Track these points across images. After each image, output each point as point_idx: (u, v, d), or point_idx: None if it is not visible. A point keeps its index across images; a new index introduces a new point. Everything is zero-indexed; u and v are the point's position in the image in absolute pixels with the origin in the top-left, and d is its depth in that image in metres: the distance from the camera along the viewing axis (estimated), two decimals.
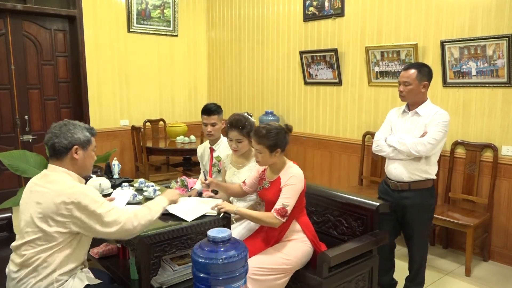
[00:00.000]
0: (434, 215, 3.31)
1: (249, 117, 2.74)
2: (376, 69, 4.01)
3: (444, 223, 3.32)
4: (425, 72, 2.55)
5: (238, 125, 2.64)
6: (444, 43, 3.47)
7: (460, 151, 3.54)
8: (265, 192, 2.37)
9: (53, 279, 1.79)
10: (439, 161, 3.56)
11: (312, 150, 4.78)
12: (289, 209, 2.22)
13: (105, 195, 2.47)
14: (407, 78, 2.54)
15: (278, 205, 2.22)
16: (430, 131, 2.49)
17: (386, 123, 2.75)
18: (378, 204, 2.48)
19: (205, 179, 2.49)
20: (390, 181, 2.67)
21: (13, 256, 1.86)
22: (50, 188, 1.80)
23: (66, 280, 1.85)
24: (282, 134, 2.27)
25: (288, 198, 2.22)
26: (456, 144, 3.53)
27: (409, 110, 2.63)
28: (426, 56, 3.66)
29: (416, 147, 2.48)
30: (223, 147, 3.05)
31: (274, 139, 2.24)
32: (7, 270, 1.87)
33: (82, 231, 1.82)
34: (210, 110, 3.01)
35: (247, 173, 2.68)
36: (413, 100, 2.60)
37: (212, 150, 3.10)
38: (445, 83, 3.55)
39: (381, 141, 2.68)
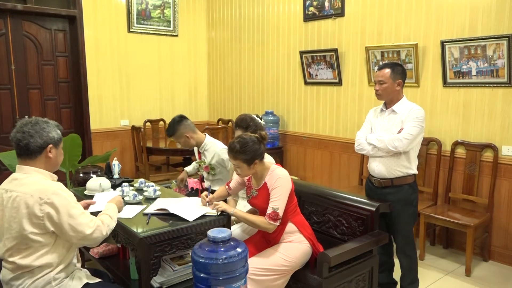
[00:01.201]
0: (434, 215, 3.33)
1: (256, 118, 2.78)
2: (376, 69, 4.00)
3: (444, 223, 3.32)
4: (398, 70, 2.64)
5: (243, 125, 2.70)
6: (444, 43, 3.47)
7: (460, 151, 3.54)
8: (255, 201, 2.36)
9: (50, 277, 1.79)
10: (438, 161, 3.60)
11: (312, 150, 4.78)
12: (280, 211, 2.21)
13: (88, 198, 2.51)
14: (382, 77, 2.63)
15: (268, 210, 2.21)
16: (406, 127, 2.56)
17: (366, 123, 2.84)
18: (378, 204, 2.49)
19: (207, 196, 2.41)
20: (373, 179, 2.75)
21: (4, 263, 1.84)
22: (23, 191, 1.77)
23: (65, 278, 1.85)
24: (256, 145, 2.24)
25: (277, 200, 2.21)
26: (456, 144, 3.53)
27: (386, 108, 2.71)
28: (426, 56, 3.66)
29: (393, 143, 2.55)
30: (208, 150, 3.17)
31: (249, 153, 2.21)
32: (1, 276, 1.86)
33: (57, 232, 1.79)
34: (168, 132, 3.15)
35: None
36: (389, 98, 2.68)
37: (200, 154, 3.24)
38: (445, 83, 3.55)
39: (361, 140, 2.76)
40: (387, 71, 2.62)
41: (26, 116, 1.91)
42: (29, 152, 1.83)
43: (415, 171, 2.68)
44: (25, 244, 1.76)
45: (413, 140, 2.56)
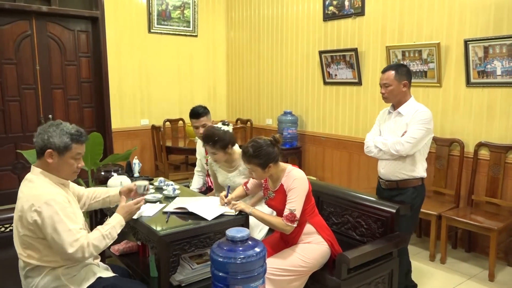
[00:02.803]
0: (456, 218, 3.26)
1: (223, 127, 2.71)
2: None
3: (467, 226, 3.25)
4: (403, 71, 2.60)
5: (209, 141, 2.67)
6: (468, 42, 3.39)
7: (484, 153, 3.45)
8: (272, 203, 2.36)
9: (58, 273, 1.83)
10: (461, 163, 3.52)
11: (331, 150, 4.74)
12: (297, 213, 2.19)
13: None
14: (386, 79, 2.59)
15: (285, 212, 2.20)
16: (409, 130, 2.53)
17: (376, 124, 2.81)
18: (398, 206, 2.45)
19: (226, 196, 2.42)
20: (380, 180, 2.74)
21: (19, 257, 1.88)
22: (24, 192, 1.79)
23: (76, 272, 1.88)
24: (270, 149, 2.22)
25: (294, 201, 2.20)
26: (480, 145, 3.44)
27: (394, 110, 2.68)
28: (449, 56, 3.58)
29: (395, 147, 2.53)
30: None
31: (263, 156, 2.20)
32: (19, 268, 1.91)
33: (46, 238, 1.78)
34: (198, 113, 3.11)
35: (238, 176, 2.77)
36: (396, 100, 2.64)
37: (206, 151, 3.17)
38: (468, 83, 3.47)
39: (370, 142, 2.74)
40: (392, 72, 2.58)
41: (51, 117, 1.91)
42: (36, 151, 1.84)
43: (422, 174, 2.63)
44: (26, 243, 1.80)
45: (417, 144, 2.51)
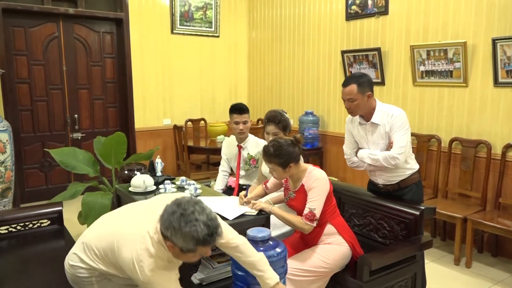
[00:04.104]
0: (483, 221, 3.18)
1: (284, 113, 2.88)
2: (422, 68, 3.87)
3: (494, 230, 3.16)
4: (365, 83, 2.51)
5: (275, 120, 2.79)
6: (496, 41, 3.30)
7: None
8: (293, 203, 2.35)
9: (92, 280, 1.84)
10: (488, 165, 3.43)
11: None
12: (317, 212, 2.18)
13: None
14: (350, 94, 2.51)
15: (305, 211, 2.20)
16: (395, 140, 2.48)
17: (348, 135, 2.75)
18: (423, 208, 2.40)
19: (245, 196, 2.45)
20: (378, 186, 2.70)
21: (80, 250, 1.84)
22: (130, 231, 1.67)
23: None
24: (291, 149, 2.22)
25: (314, 201, 2.19)
26: (508, 147, 3.34)
27: (366, 121, 2.59)
28: (476, 55, 3.49)
29: (390, 162, 2.48)
30: (250, 145, 3.21)
31: (284, 156, 2.19)
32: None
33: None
34: (241, 109, 3.17)
35: None
36: (363, 112, 2.58)
37: (240, 148, 3.23)
38: (496, 82, 3.38)
39: (353, 158, 2.70)
40: (354, 86, 2.48)
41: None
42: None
43: (416, 167, 2.63)
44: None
45: (406, 148, 2.49)
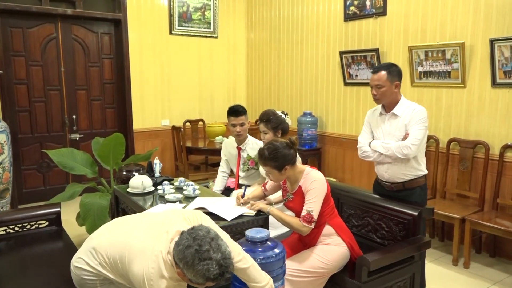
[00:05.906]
0: (481, 222, 3.18)
1: (279, 114, 2.90)
2: (420, 69, 3.88)
3: (492, 230, 3.16)
4: (395, 72, 2.55)
5: (263, 118, 2.85)
6: (494, 42, 3.31)
7: (510, 155, 3.35)
8: (291, 204, 2.35)
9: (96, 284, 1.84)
10: (486, 165, 3.43)
11: (351, 151, 4.69)
12: (314, 214, 2.18)
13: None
14: (378, 81, 2.54)
15: (303, 213, 2.20)
16: (411, 132, 2.49)
17: (366, 127, 2.75)
18: (421, 208, 2.41)
19: (242, 196, 2.45)
20: (383, 183, 2.70)
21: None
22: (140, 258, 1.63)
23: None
24: (286, 151, 2.21)
25: (311, 203, 2.19)
26: (506, 147, 3.35)
27: (386, 112, 2.62)
28: (474, 56, 3.50)
29: (402, 151, 2.48)
30: (250, 146, 3.21)
31: (279, 159, 2.19)
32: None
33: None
34: (238, 111, 3.16)
35: None
36: (387, 101, 2.59)
37: (239, 149, 3.23)
38: (494, 83, 3.39)
39: (365, 147, 2.69)
40: (384, 73, 2.52)
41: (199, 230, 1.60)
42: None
43: (425, 171, 2.63)
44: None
45: (420, 144, 2.50)
